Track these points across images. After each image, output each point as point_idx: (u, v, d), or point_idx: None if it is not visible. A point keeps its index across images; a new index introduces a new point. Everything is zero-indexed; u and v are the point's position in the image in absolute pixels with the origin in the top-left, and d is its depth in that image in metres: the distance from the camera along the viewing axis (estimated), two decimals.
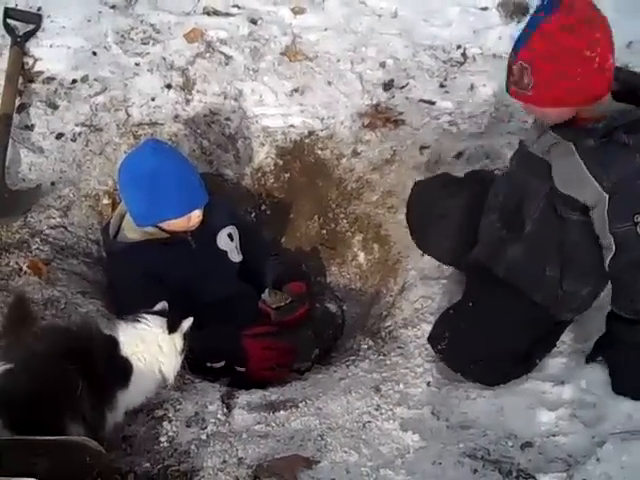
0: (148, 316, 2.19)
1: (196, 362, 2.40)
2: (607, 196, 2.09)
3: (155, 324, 2.18)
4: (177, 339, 2.20)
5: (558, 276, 2.36)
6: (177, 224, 2.73)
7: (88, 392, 1.98)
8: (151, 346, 2.16)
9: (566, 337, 2.52)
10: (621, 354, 2.31)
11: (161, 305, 2.28)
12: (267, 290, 2.98)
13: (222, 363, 2.78)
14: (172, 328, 2.18)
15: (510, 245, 2.46)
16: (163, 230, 2.77)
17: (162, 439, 2.17)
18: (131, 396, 2.14)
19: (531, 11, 3.89)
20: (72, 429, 1.96)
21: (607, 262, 2.19)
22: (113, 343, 2.12)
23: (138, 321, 2.17)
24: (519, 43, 2.07)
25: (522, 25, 3.81)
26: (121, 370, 2.11)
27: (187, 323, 2.23)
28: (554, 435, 2.17)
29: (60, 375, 1.96)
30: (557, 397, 2.31)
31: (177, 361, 2.21)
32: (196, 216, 2.73)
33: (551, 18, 1.97)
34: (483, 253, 2.59)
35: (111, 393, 2.07)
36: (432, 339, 2.56)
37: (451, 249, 2.84)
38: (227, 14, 3.97)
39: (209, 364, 2.76)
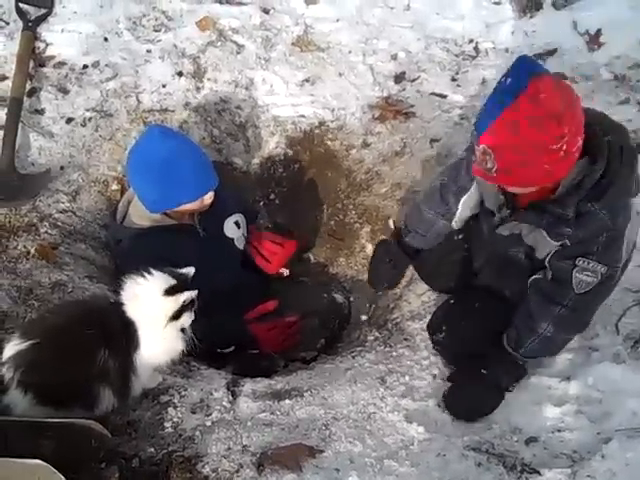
0: (155, 273, 2.15)
1: (206, 349, 2.40)
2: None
3: (153, 282, 2.13)
4: (169, 303, 2.12)
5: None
6: (190, 207, 2.72)
7: (111, 357, 2.02)
8: (146, 305, 2.11)
9: None
10: None
11: (187, 270, 2.24)
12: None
13: (232, 348, 2.89)
14: (169, 292, 2.12)
15: None
16: (170, 217, 2.76)
17: (167, 425, 2.18)
18: (148, 357, 2.13)
19: (545, 7, 3.94)
20: (102, 395, 2.03)
21: None
22: (120, 306, 2.11)
23: (142, 276, 2.13)
24: (482, 124, 1.88)
25: (535, 20, 3.91)
26: (130, 332, 2.09)
27: (190, 294, 2.16)
28: (559, 431, 2.18)
29: (83, 343, 2.00)
30: (563, 393, 2.31)
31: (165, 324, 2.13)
32: (209, 197, 2.73)
33: (517, 105, 1.79)
34: None
35: (130, 356, 2.08)
36: (430, 327, 2.65)
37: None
38: (239, 3, 3.96)
39: (219, 350, 2.86)
